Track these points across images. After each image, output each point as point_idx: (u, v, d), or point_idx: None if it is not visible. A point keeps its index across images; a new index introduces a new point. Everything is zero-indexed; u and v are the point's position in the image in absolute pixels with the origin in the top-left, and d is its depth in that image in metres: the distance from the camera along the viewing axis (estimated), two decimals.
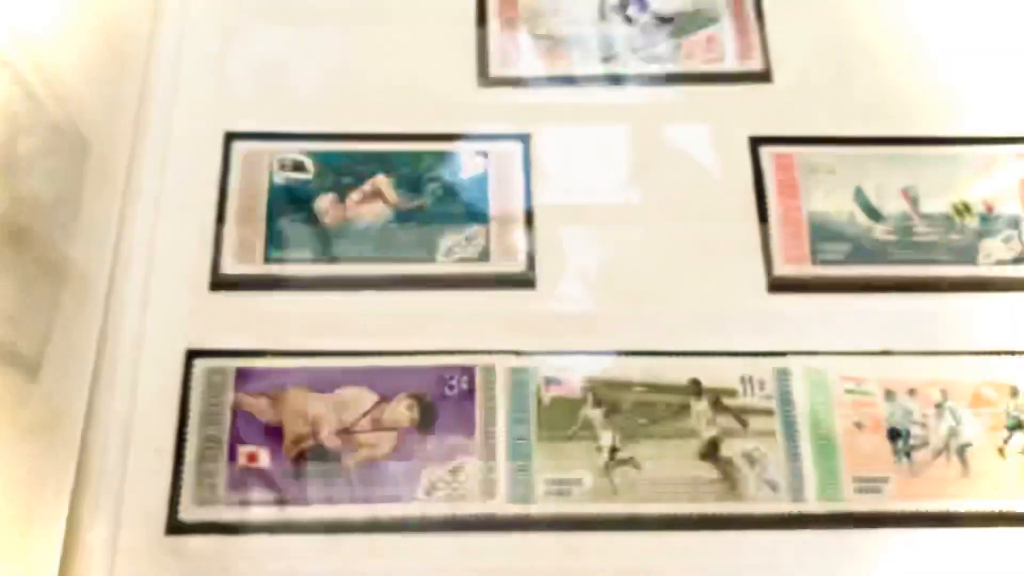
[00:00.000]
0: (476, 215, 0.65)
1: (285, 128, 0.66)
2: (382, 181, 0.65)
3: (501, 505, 0.58)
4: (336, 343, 0.61)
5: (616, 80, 0.70)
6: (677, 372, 0.61)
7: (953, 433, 0.60)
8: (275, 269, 0.63)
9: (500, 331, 0.62)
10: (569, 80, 0.69)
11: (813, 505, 0.58)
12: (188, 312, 0.61)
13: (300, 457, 0.58)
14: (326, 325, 0.62)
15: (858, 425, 0.60)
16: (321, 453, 0.59)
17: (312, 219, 0.64)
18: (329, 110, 0.67)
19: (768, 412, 0.60)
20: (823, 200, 0.66)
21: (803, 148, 0.67)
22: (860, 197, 0.66)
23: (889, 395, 0.61)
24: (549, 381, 0.60)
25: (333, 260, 0.63)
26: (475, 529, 0.57)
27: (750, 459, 0.59)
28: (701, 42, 0.71)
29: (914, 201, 0.66)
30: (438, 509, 0.58)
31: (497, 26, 0.71)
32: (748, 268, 0.64)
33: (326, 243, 0.63)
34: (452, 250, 0.64)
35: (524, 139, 0.67)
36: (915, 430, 0.60)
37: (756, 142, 0.67)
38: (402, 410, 0.59)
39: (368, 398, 0.60)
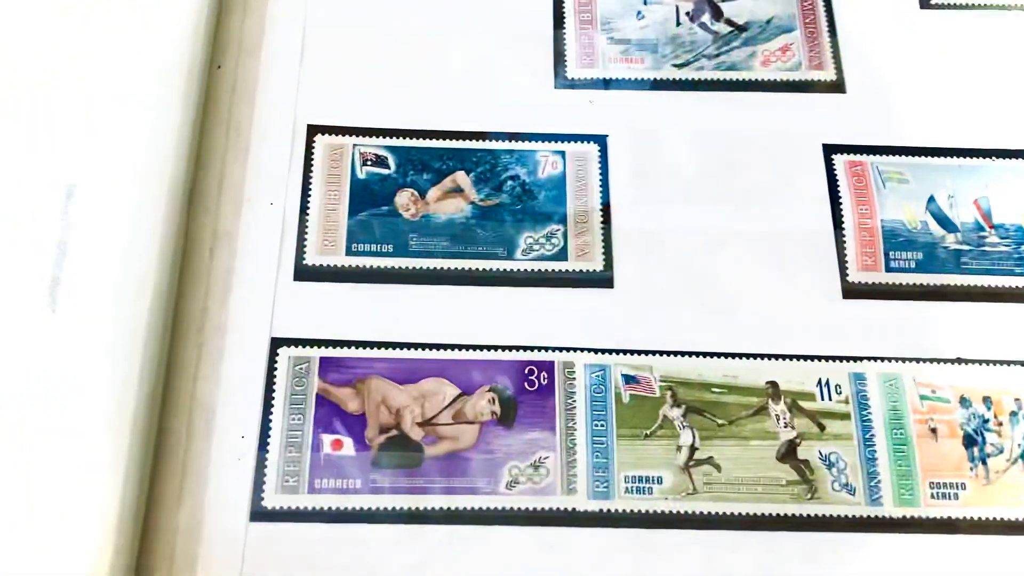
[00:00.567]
0: (554, 214, 0.65)
1: (366, 123, 0.67)
2: (462, 177, 0.66)
3: (582, 501, 0.58)
4: (415, 335, 0.62)
5: (691, 85, 0.70)
6: (754, 374, 0.61)
7: None
8: (356, 261, 0.63)
9: (578, 329, 0.62)
10: (644, 83, 0.70)
11: (890, 509, 0.59)
12: (273, 301, 0.62)
13: (383, 447, 0.59)
14: (405, 317, 0.62)
15: (933, 431, 0.61)
16: (404, 443, 0.59)
17: (393, 213, 0.65)
18: (409, 107, 0.68)
19: (845, 416, 0.61)
20: (896, 209, 0.66)
21: (876, 157, 0.68)
22: (932, 206, 0.67)
23: (964, 401, 0.61)
24: (628, 379, 0.61)
25: (413, 254, 0.64)
26: (555, 524, 0.58)
27: (828, 462, 0.60)
28: (775, 50, 0.71)
29: (986, 212, 0.66)
30: (519, 503, 0.58)
31: (574, 28, 0.71)
32: (823, 274, 0.65)
33: (406, 237, 0.64)
34: (531, 248, 0.64)
35: (601, 140, 0.68)
36: (990, 437, 0.60)
37: (830, 150, 0.68)
38: (483, 404, 0.60)
39: (449, 390, 0.60)
